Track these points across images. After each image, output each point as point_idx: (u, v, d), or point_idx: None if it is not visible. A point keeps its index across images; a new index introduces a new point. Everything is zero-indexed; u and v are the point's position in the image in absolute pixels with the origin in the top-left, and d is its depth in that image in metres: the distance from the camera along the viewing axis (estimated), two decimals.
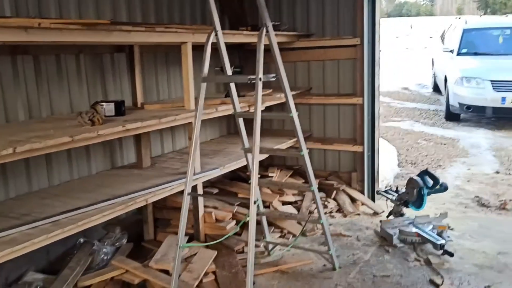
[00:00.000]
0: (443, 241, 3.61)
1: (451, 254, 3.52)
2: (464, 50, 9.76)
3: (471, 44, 9.85)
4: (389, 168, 5.89)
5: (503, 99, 8.23)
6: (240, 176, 4.84)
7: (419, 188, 3.92)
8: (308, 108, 5.26)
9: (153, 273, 3.14)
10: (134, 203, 3.05)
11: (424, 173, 4.02)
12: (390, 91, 13.20)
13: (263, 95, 4.41)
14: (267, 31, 2.81)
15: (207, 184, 4.58)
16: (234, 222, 3.82)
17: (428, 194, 3.97)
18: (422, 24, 36.32)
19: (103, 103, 3.27)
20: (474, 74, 8.68)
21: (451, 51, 9.93)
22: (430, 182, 3.94)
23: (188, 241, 3.67)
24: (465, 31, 10.13)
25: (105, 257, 3.45)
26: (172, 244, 3.54)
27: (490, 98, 8.36)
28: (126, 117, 3.27)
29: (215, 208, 3.94)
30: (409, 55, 22.49)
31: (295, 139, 4.97)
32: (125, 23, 3.34)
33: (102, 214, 2.81)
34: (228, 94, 4.12)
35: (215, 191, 4.51)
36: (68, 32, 2.56)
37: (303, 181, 4.98)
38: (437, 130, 8.55)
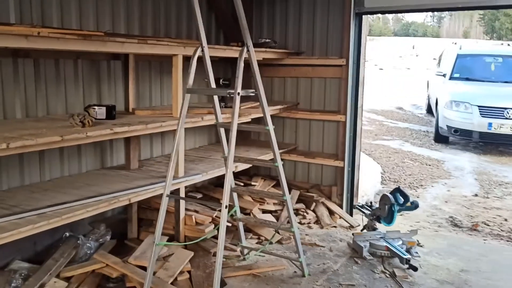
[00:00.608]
0: (409, 256, 3.82)
1: (415, 269, 3.72)
2: (456, 75, 10.03)
3: (464, 70, 10.13)
4: (371, 185, 6.11)
5: (490, 124, 8.48)
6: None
7: (390, 205, 4.14)
8: (295, 122, 5.50)
9: (132, 268, 3.35)
10: (118, 201, 3.26)
11: (396, 191, 4.24)
12: (385, 109, 13.47)
13: (250, 107, 4.67)
14: (247, 50, 3.04)
15: (192, 188, 4.82)
16: (213, 226, 4.02)
17: (399, 211, 4.18)
18: (427, 45, 36.71)
19: (96, 107, 3.50)
20: (463, 99, 8.94)
21: (444, 75, 10.20)
22: (401, 199, 4.16)
23: (168, 241, 3.88)
24: (459, 56, 10.41)
25: (88, 252, 3.65)
26: (152, 243, 3.74)
27: (477, 123, 8.61)
28: (116, 121, 3.50)
29: (196, 212, 4.15)
30: (409, 76, 22.83)
31: (280, 151, 5.25)
32: (120, 34, 3.58)
33: (86, 209, 3.02)
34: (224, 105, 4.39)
35: (199, 196, 4.72)
36: (65, 41, 2.80)
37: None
38: (424, 151, 8.78)
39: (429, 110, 12.42)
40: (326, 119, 5.20)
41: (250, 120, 4.53)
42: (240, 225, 3.88)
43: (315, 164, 5.35)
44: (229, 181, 2.88)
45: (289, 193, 5.11)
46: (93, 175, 3.91)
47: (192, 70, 3.11)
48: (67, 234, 3.72)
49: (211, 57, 3.98)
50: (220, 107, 4.31)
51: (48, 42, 2.70)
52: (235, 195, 3.75)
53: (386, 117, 12.61)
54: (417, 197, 6.03)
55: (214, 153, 4.93)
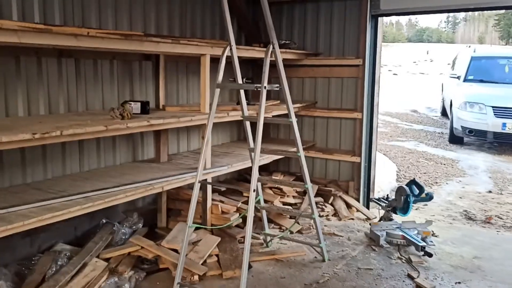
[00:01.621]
0: (424, 244, 4.03)
1: (430, 255, 3.93)
2: (470, 77, 10.19)
3: (478, 72, 10.28)
4: (387, 182, 6.31)
5: (504, 124, 8.62)
6: (247, 178, 5.33)
7: (406, 196, 4.36)
8: (313, 120, 5.75)
9: (165, 250, 3.63)
10: (153, 188, 3.55)
11: (412, 183, 4.46)
12: (399, 112, 13.64)
13: (271, 105, 4.94)
14: (273, 48, 3.31)
15: (216, 183, 5.08)
16: (238, 214, 4.28)
17: (414, 202, 4.40)
18: (442, 51, 36.69)
19: (131, 102, 3.80)
20: (477, 100, 9.11)
21: (458, 77, 10.36)
22: (416, 190, 4.37)
23: (196, 230, 4.15)
24: (473, 58, 10.57)
25: (123, 237, 3.93)
26: (182, 229, 4.02)
27: (491, 123, 8.76)
28: (150, 115, 3.79)
29: (222, 202, 4.42)
30: (424, 80, 22.94)
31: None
32: (155, 35, 3.87)
33: (125, 194, 3.31)
34: (239, 102, 4.67)
35: (223, 189, 4.99)
36: (109, 40, 3.10)
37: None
38: (439, 151, 8.95)
39: (444, 113, 12.55)
40: (343, 116, 5.44)
41: (271, 116, 4.80)
42: (264, 214, 4.13)
43: (333, 160, 5.58)
44: (257, 168, 3.14)
45: None
46: (126, 167, 4.21)
47: (221, 67, 3.38)
48: (104, 221, 4.02)
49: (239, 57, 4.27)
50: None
51: (95, 41, 3.00)
52: (259, 185, 4.01)
53: (401, 119, 12.78)
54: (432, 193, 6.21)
55: (237, 149, 5.20)
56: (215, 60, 3.97)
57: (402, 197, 4.39)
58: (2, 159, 3.34)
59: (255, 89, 3.21)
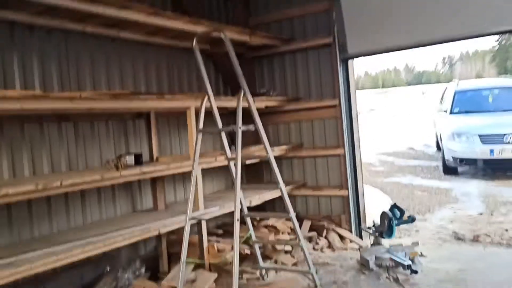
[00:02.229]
0: (409, 262, 4.26)
1: (416, 272, 4.16)
2: (456, 109, 10.61)
3: (463, 104, 10.71)
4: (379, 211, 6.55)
5: (492, 151, 8.93)
6: (243, 220, 5.62)
7: (388, 219, 4.63)
8: (302, 161, 6.11)
9: None
10: (149, 231, 3.87)
11: (393, 207, 4.75)
12: (396, 151, 13.96)
13: (255, 149, 5.31)
14: (244, 93, 3.74)
15: (213, 226, 5.38)
16: (231, 253, 4.54)
17: (397, 224, 4.67)
18: (440, 90, 37.46)
19: (126, 155, 4.20)
20: (464, 130, 9.47)
21: (445, 111, 10.78)
22: (398, 213, 4.65)
23: (195, 269, 4.42)
24: (456, 92, 11.04)
25: (126, 282, 4.21)
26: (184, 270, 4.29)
27: (479, 151, 9.07)
28: (144, 166, 4.17)
29: (218, 241, 4.70)
30: (421, 119, 23.40)
31: (289, 187, 5.84)
32: (142, 93, 4.34)
33: (123, 237, 3.64)
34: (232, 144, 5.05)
35: (220, 231, 5.28)
36: (100, 100, 3.55)
37: (299, 223, 5.71)
38: (434, 183, 9.20)
39: (439, 147, 12.84)
40: (328, 154, 5.79)
41: (258, 160, 5.19)
42: (257, 248, 4.40)
43: (324, 197, 5.88)
44: (239, 195, 3.47)
45: (301, 222, 5.66)
46: (126, 216, 4.54)
47: (201, 115, 3.81)
48: (108, 268, 4.30)
49: (221, 109, 4.68)
50: (230, 150, 5.00)
51: (88, 102, 3.45)
52: (248, 220, 4.31)
53: (397, 157, 13.09)
54: (424, 219, 6.45)
55: (231, 195, 5.51)
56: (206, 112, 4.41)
57: (386, 221, 4.66)
58: (11, 215, 3.70)
59: (232, 130, 3.60)
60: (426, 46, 5.26)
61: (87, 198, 4.31)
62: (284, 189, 3.95)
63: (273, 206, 6.13)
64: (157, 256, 4.77)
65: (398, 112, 29.91)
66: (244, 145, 5.67)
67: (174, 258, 4.83)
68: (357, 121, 5.70)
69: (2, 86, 3.66)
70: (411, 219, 4.71)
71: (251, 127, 3.78)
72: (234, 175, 4.09)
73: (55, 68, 4.08)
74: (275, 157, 5.84)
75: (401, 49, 5.37)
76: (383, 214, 4.73)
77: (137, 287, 3.93)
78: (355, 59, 5.65)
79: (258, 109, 5.68)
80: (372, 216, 6.09)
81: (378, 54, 5.46)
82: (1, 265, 2.97)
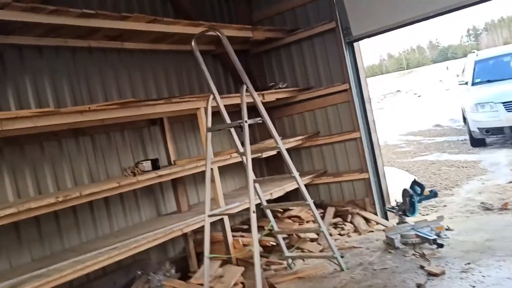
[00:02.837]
0: (435, 236, 4.23)
1: (441, 245, 4.12)
2: (477, 80, 10.36)
3: (484, 73, 10.44)
4: None
5: None
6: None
7: (409, 196, 4.60)
8: (320, 149, 6.12)
9: (193, 286, 3.99)
10: (172, 232, 3.98)
11: (413, 183, 4.71)
12: (422, 129, 13.74)
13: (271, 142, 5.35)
14: (247, 87, 3.80)
15: (239, 222, 5.46)
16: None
17: (419, 201, 4.63)
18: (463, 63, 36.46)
19: (143, 162, 4.33)
20: (487, 99, 9.25)
21: (466, 83, 10.55)
22: (418, 189, 4.62)
23: (222, 265, 4.51)
24: (476, 62, 10.77)
25: (158, 284, 4.32)
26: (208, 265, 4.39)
27: (504, 118, 8.84)
28: (161, 170, 4.29)
29: (242, 236, 4.78)
30: (446, 94, 22.93)
31: (310, 176, 5.86)
32: (151, 99, 4.44)
33: (147, 240, 3.75)
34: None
35: (245, 227, 5.36)
36: (110, 111, 3.68)
37: (323, 212, 5.74)
38: (461, 157, 9.03)
39: (465, 120, 12.58)
40: (345, 139, 5.79)
41: (275, 152, 5.22)
42: (280, 238, 4.45)
43: (346, 182, 5.88)
44: (252, 187, 3.53)
45: (325, 210, 5.69)
46: (151, 221, 4.68)
47: (209, 113, 3.89)
48: (139, 272, 4.43)
49: (232, 106, 4.76)
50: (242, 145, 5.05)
51: (97, 114, 3.58)
52: (268, 211, 4.37)
53: (423, 136, 12.89)
54: (452, 194, 6.35)
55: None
56: (216, 113, 4.49)
57: (407, 199, 4.63)
58: (40, 229, 3.88)
59: (239, 125, 3.67)
60: (429, 19, 5.17)
61: (111, 207, 4.46)
62: (298, 177, 3.99)
63: (297, 197, 6.17)
64: (186, 257, 4.88)
65: (423, 91, 29.34)
66: (261, 139, 5.77)
67: (202, 257, 4.92)
68: (370, 103, 5.68)
69: (18, 107, 3.84)
70: (433, 194, 4.66)
71: (257, 120, 3.83)
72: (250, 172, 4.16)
73: (66, 85, 4.24)
74: (293, 148, 5.96)
75: (406, 25, 5.30)
76: (404, 192, 4.70)
77: (167, 287, 4.04)
78: (360, 41, 5.62)
79: (270, 103, 5.79)
80: (398, 197, 6.06)
81: (382, 33, 5.41)
82: (32, 277, 3.13)
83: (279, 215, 5.52)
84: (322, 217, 5.57)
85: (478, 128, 9.27)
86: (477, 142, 9.69)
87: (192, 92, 5.48)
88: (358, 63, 5.59)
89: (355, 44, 5.60)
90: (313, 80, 6.08)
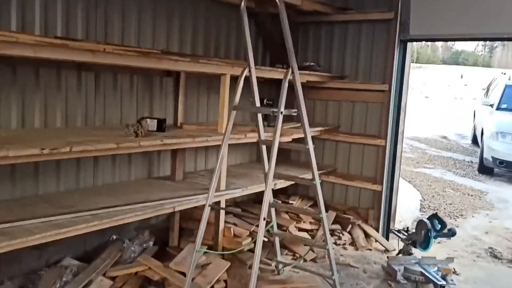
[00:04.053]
0: (443, 282, 3.82)
1: None
2: (504, 105, 9.86)
3: None
4: (409, 211, 6.10)
5: None
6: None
7: (426, 230, 4.16)
8: (335, 144, 5.61)
9: (172, 273, 3.53)
10: (162, 209, 3.48)
11: (434, 217, 4.26)
12: (428, 138, 13.30)
13: (292, 128, 4.84)
14: (292, 72, 3.22)
15: (232, 203, 4.98)
16: (250, 239, 4.17)
17: (435, 237, 4.20)
18: (477, 75, 35.91)
19: (148, 119, 3.76)
20: (510, 130, 8.77)
21: (491, 105, 10.04)
22: (438, 225, 4.17)
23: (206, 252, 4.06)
24: (507, 86, 10.23)
25: (132, 255, 3.87)
26: (191, 251, 3.93)
27: None
28: (166, 133, 3.74)
29: (235, 224, 4.32)
30: (456, 105, 22.44)
31: (319, 172, 5.36)
32: (174, 53, 3.83)
33: (134, 213, 3.25)
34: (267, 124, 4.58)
35: (238, 210, 4.88)
36: (126, 57, 3.08)
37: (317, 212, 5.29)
38: (467, 181, 8.64)
39: (475, 141, 12.18)
40: (366, 142, 5.28)
41: (291, 140, 4.70)
42: (276, 240, 4.00)
43: (353, 187, 5.41)
44: (268, 196, 3.03)
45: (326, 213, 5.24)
46: (140, 183, 4.16)
47: (239, 89, 3.31)
48: (114, 237, 3.96)
49: (257, 78, 4.20)
50: (263, 126, 4.53)
51: (111, 57, 2.98)
52: (273, 210, 3.89)
53: (429, 145, 12.46)
54: (457, 226, 5.96)
55: (254, 170, 5.09)
56: (236, 79, 3.92)
57: (423, 232, 4.20)
58: (14, 169, 3.33)
59: (271, 113, 3.12)
60: (501, 40, 4.60)
61: (100, 159, 3.91)
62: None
63: (296, 188, 5.70)
64: (168, 228, 4.41)
65: (431, 93, 28.74)
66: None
67: (185, 233, 4.48)
68: (405, 112, 5.14)
69: (20, 27, 3.20)
70: (452, 233, 4.24)
71: (293, 111, 3.28)
72: (266, 163, 3.64)
73: (80, 12, 3.59)
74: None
75: (471, 39, 4.74)
76: (421, 223, 4.26)
77: (141, 266, 3.58)
78: (415, 42, 5.01)
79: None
80: (399, 215, 5.65)
81: (444, 41, 4.83)
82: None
83: (278, 203, 5.06)
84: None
85: (492, 157, 8.83)
86: (486, 169, 9.28)
87: (217, 54, 4.84)
88: (406, 66, 5.00)
89: (409, 44, 4.99)
90: (348, 70, 5.48)
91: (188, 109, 4.69)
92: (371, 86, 5.19)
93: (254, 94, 3.48)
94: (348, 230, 5.09)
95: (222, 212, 4.14)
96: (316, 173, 3.48)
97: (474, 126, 12.35)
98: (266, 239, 4.31)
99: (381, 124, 5.16)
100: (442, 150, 11.92)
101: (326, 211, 5.28)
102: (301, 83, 5.05)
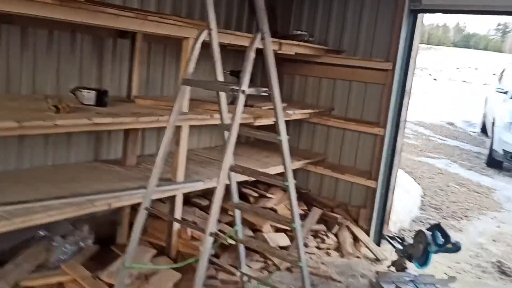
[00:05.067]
0: None
1: None
2: None
3: None
4: (407, 210, 5.35)
5: None
6: (241, 190, 4.45)
7: (426, 244, 3.41)
8: (327, 129, 4.83)
9: (100, 285, 2.80)
10: (92, 206, 2.72)
11: (436, 228, 3.51)
12: (434, 123, 12.49)
13: (268, 109, 4.04)
14: (262, 38, 2.40)
15: (199, 193, 4.21)
16: (214, 242, 3.42)
17: (436, 252, 3.45)
18: (488, 59, 34.80)
19: (84, 90, 2.98)
20: None
21: (505, 93, 9.18)
22: (441, 239, 3.42)
23: (157, 256, 3.33)
24: None
25: (63, 257, 3.13)
26: (139, 253, 3.22)
27: None
28: (106, 109, 2.95)
29: (195, 223, 3.58)
30: (465, 89, 21.48)
31: (305, 161, 4.60)
32: (116, 5, 2.98)
33: (47, 213, 2.50)
34: (233, 102, 3.79)
35: (205, 203, 4.13)
36: (39, 5, 2.27)
37: (305, 209, 4.55)
38: (473, 176, 7.85)
39: (484, 130, 11.32)
40: (362, 130, 4.50)
41: (272, 122, 3.92)
42: (241, 248, 3.24)
43: (345, 181, 4.66)
44: (219, 198, 2.27)
45: (310, 210, 4.49)
46: (81, 167, 3.41)
47: (192, 58, 2.51)
48: (41, 233, 3.22)
49: (230, 45, 3.41)
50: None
51: (18, 4, 2.18)
52: (238, 212, 3.12)
53: (434, 131, 11.63)
54: (460, 230, 5.23)
55: (220, 157, 4.34)
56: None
57: (421, 245, 3.44)
58: None
59: (231, 92, 2.33)
60: None
61: (27, 135, 3.14)
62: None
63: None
64: (115, 222, 3.67)
65: (439, 75, 27.70)
66: (254, 100, 4.43)
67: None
68: (409, 97, 4.32)
69: None
70: (456, 248, 3.48)
71: (262, 91, 2.49)
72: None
73: None
74: (295, 121, 4.65)
75: (492, 13, 3.88)
76: (420, 234, 3.51)
77: (65, 275, 2.85)
78: (428, 13, 4.16)
79: (286, 55, 4.39)
80: (396, 214, 4.91)
81: (461, 13, 3.98)
82: None
83: (251, 199, 4.32)
84: (303, 217, 4.40)
85: (503, 150, 8.01)
86: (494, 163, 8.47)
87: (191, 16, 4.01)
88: (415, 41, 4.16)
89: (419, 15, 4.13)
90: (347, 44, 4.66)
91: (150, 80, 3.90)
92: (372, 64, 4.37)
93: (215, 64, 2.66)
94: (334, 231, 4.35)
95: (179, 205, 3.38)
96: (290, 172, 2.70)
97: (485, 114, 11.47)
98: (233, 242, 3.59)
99: (380, 110, 4.37)
100: (448, 137, 11.10)
101: (311, 207, 4.57)
102: (289, 55, 4.28)
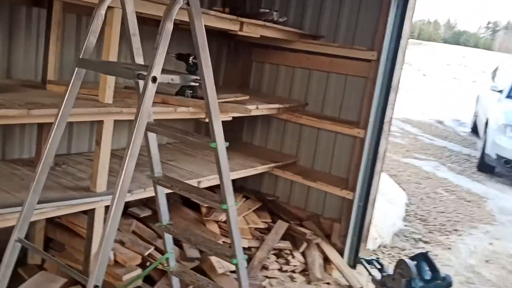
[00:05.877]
0: None
1: None
2: None
3: None
4: (390, 223, 4.68)
5: None
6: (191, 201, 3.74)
7: (409, 279, 2.73)
8: (299, 128, 4.16)
9: None
10: None
11: (422, 258, 2.83)
12: (422, 121, 11.87)
13: (232, 101, 3.37)
14: (187, 3, 1.68)
15: (138, 203, 3.48)
16: (139, 270, 2.73)
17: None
18: (478, 57, 34.45)
19: None
20: None
21: (500, 91, 8.56)
22: (428, 273, 2.75)
23: (69, 286, 2.62)
24: None
25: None
26: (42, 284, 2.52)
27: None
28: None
29: (122, 244, 2.86)
30: (455, 86, 20.95)
31: (273, 164, 3.92)
32: None
33: None
34: (179, 92, 3.09)
35: (146, 213, 3.42)
36: None
37: (269, 221, 3.87)
38: (464, 181, 7.22)
39: (475, 130, 10.70)
40: (339, 131, 3.82)
41: (231, 119, 3.22)
42: (175, 282, 2.53)
43: (318, 190, 3.98)
44: (114, 223, 1.57)
45: (274, 223, 3.82)
46: None
47: (92, 29, 1.78)
48: None
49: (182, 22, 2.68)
50: (186, 96, 3.06)
51: None
52: (168, 237, 2.39)
53: (422, 130, 11.00)
54: (449, 248, 4.58)
55: (181, 156, 3.64)
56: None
57: (404, 280, 2.77)
58: None
59: (137, 79, 1.61)
60: None
61: None
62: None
63: (245, 180, 4.26)
64: (28, 236, 2.95)
65: (429, 71, 27.16)
66: (227, 84, 3.73)
67: (55, 245, 3.04)
68: (396, 94, 3.63)
69: None
70: (446, 284, 2.81)
71: (190, 79, 1.77)
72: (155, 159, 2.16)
73: None
74: (264, 116, 3.98)
75: None
76: (403, 265, 2.82)
77: None
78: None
79: (255, 40, 3.68)
80: (376, 228, 4.26)
81: None
82: None
83: (204, 210, 3.61)
84: (267, 230, 3.72)
85: (497, 154, 7.38)
86: (486, 167, 7.85)
87: None
88: (405, 28, 3.45)
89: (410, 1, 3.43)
90: (325, 29, 3.98)
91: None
92: (354, 53, 3.68)
93: (131, 40, 1.93)
94: (302, 250, 3.68)
95: (100, 219, 2.67)
96: (230, 192, 1.99)
97: (476, 113, 10.86)
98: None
99: (362, 107, 3.70)
100: (436, 137, 10.47)
101: (276, 218, 3.90)
102: (255, 39, 3.58)
